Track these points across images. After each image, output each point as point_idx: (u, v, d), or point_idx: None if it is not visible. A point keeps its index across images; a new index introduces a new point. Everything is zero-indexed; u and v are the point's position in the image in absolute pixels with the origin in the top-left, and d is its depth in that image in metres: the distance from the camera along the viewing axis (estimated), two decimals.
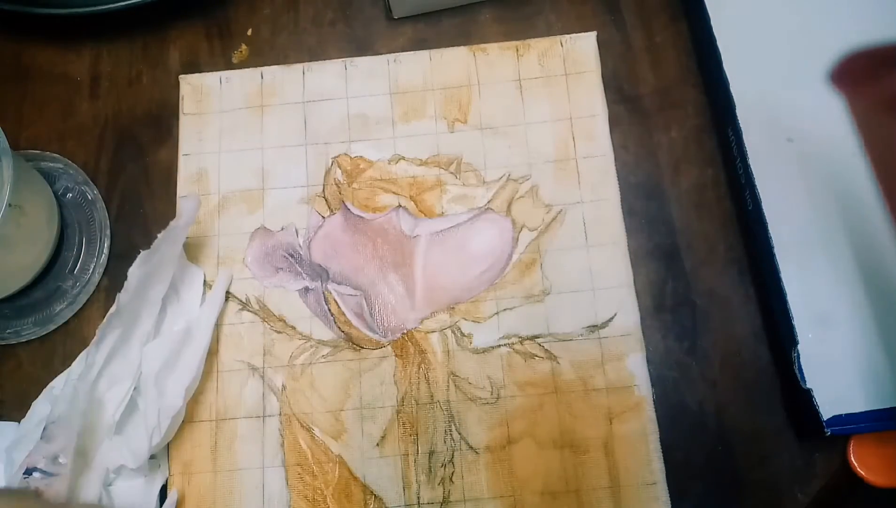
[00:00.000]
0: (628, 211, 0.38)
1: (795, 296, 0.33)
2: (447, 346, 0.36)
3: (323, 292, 0.37)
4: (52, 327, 0.37)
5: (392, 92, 0.40)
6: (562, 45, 0.40)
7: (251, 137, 0.40)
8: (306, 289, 0.37)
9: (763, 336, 0.36)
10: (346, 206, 0.38)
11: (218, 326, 0.36)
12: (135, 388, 0.34)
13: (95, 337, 0.34)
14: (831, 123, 0.36)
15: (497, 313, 0.36)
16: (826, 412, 0.32)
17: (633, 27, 0.41)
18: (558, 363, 0.35)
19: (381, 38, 0.42)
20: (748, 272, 0.37)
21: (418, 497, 0.34)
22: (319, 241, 0.38)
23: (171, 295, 0.36)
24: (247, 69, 0.41)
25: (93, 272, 0.38)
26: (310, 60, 0.41)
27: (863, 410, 0.32)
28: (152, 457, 0.34)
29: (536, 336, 0.36)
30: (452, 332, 0.36)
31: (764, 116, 0.36)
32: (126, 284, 0.33)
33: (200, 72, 0.41)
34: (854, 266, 0.34)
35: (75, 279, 0.38)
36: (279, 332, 0.36)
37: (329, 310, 0.37)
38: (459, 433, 0.35)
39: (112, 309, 0.34)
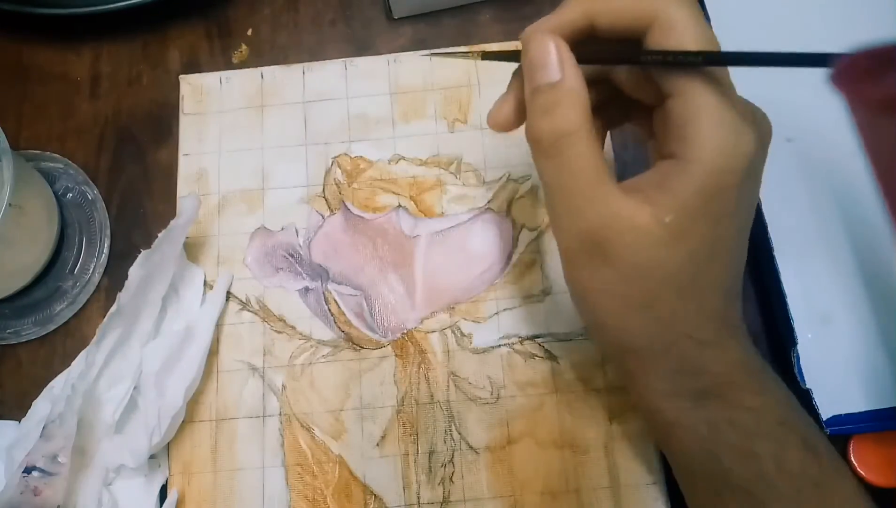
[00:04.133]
0: None
1: (795, 296, 0.33)
2: (447, 346, 0.36)
3: (323, 292, 0.37)
4: (52, 327, 0.37)
5: (392, 92, 0.40)
6: None
7: (251, 137, 0.40)
8: (306, 289, 0.37)
9: (763, 336, 0.36)
10: (346, 206, 0.38)
11: (218, 326, 0.36)
12: (135, 388, 0.34)
13: (95, 337, 0.34)
14: (831, 123, 0.36)
15: (497, 313, 0.36)
16: (826, 412, 0.32)
17: None
18: (558, 363, 0.35)
19: (381, 38, 0.42)
20: (748, 272, 0.37)
21: (418, 497, 0.34)
22: (319, 241, 0.38)
23: (172, 295, 0.36)
24: (247, 69, 0.41)
25: (93, 272, 0.38)
26: (310, 60, 0.41)
27: (862, 410, 0.32)
28: (152, 457, 0.34)
29: (536, 336, 0.36)
30: (452, 332, 0.36)
31: None
32: (126, 284, 0.33)
33: (200, 72, 0.41)
34: (854, 266, 0.34)
35: (75, 279, 0.38)
36: (279, 332, 0.36)
37: (329, 310, 0.37)
38: (459, 433, 0.35)
39: (112, 309, 0.34)
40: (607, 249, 0.25)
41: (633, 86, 0.28)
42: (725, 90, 0.25)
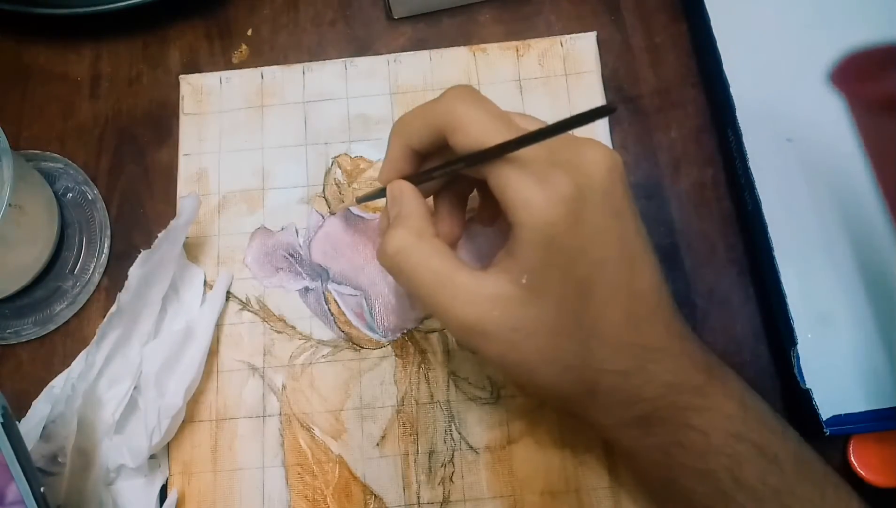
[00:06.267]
0: None
1: (795, 296, 0.33)
2: (447, 346, 0.36)
3: (323, 292, 0.37)
4: (52, 327, 0.37)
5: (392, 92, 0.40)
6: (562, 45, 0.40)
7: (251, 137, 0.40)
8: (306, 289, 0.37)
9: (763, 336, 0.36)
10: None
11: (218, 326, 0.36)
12: (135, 388, 0.34)
13: (95, 337, 0.34)
14: (831, 123, 0.36)
15: None
16: (825, 412, 0.32)
17: (633, 27, 0.41)
18: None
19: (381, 38, 0.42)
20: (748, 272, 0.37)
21: (418, 497, 0.34)
22: (319, 241, 0.38)
23: (172, 295, 0.36)
24: (247, 69, 0.41)
25: (93, 272, 0.38)
26: (310, 60, 0.41)
27: (862, 410, 0.32)
28: (152, 457, 0.34)
29: None
30: None
31: (764, 115, 0.36)
32: (126, 284, 0.33)
33: (200, 72, 0.41)
34: (854, 266, 0.34)
35: (75, 279, 0.38)
36: (279, 332, 0.36)
37: (329, 310, 0.37)
38: (459, 433, 0.35)
39: (112, 309, 0.34)
40: (486, 329, 0.26)
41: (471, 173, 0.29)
42: (519, 157, 0.26)
